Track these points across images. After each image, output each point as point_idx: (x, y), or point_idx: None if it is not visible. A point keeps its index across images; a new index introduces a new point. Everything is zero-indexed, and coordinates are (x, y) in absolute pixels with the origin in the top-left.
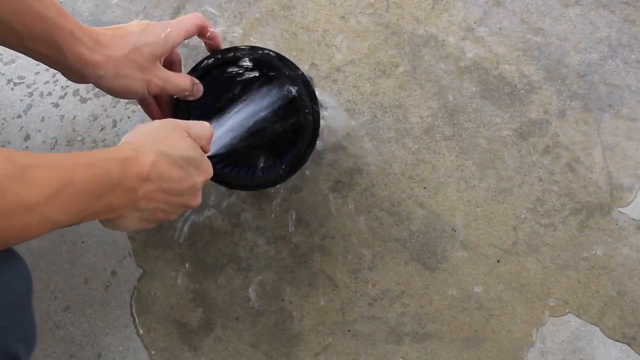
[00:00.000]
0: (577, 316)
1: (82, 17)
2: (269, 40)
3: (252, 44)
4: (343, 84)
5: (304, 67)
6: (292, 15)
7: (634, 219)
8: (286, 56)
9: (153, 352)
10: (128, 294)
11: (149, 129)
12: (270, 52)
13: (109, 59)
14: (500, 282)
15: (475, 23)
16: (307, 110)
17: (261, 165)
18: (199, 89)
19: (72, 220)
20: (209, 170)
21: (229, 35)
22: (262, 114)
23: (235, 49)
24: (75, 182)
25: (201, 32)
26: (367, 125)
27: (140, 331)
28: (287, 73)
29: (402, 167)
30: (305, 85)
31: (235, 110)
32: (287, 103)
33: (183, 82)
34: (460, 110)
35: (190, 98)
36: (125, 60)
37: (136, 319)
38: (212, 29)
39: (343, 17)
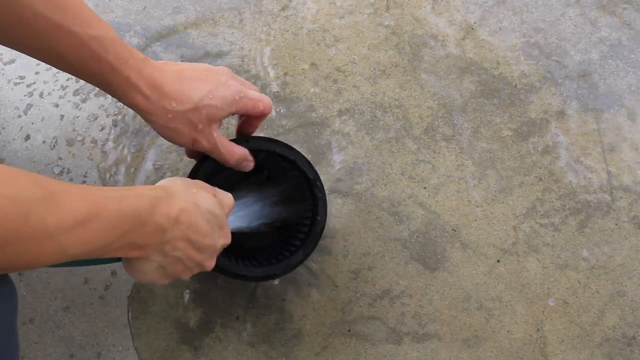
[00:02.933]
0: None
1: None
2: (270, 40)
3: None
4: (343, 84)
5: (304, 67)
6: (292, 15)
7: (633, 219)
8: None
9: (153, 352)
10: (128, 293)
11: (181, 181)
12: (292, 154)
13: (164, 110)
14: (500, 282)
15: (475, 23)
16: (318, 218)
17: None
18: (249, 166)
19: (91, 254)
20: (228, 236)
21: (227, 35)
22: (274, 210)
23: (268, 141)
24: (102, 216)
25: (256, 116)
26: (367, 125)
27: (140, 331)
28: (306, 176)
29: (402, 167)
30: (320, 189)
31: (251, 198)
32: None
33: (230, 155)
34: (460, 110)
35: (236, 168)
36: (179, 117)
37: (136, 318)
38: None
39: (343, 17)
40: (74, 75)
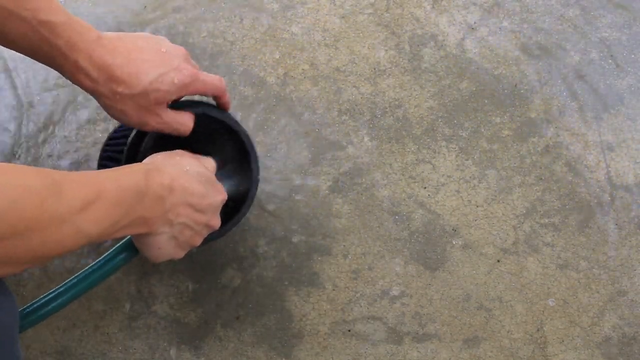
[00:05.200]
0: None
1: (82, 16)
2: (270, 40)
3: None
4: (343, 84)
5: (304, 67)
6: (292, 15)
7: (633, 219)
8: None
9: (153, 352)
10: (128, 293)
11: (161, 155)
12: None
13: (113, 92)
14: (500, 282)
15: (475, 23)
16: (255, 175)
17: None
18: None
19: (104, 233)
20: (223, 191)
21: (228, 35)
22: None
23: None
24: (105, 195)
25: (215, 97)
26: (367, 125)
27: (140, 331)
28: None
29: (402, 167)
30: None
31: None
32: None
33: (183, 126)
34: (460, 110)
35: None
36: (126, 99)
37: (136, 318)
38: (227, 98)
39: (343, 17)
40: (26, 56)
